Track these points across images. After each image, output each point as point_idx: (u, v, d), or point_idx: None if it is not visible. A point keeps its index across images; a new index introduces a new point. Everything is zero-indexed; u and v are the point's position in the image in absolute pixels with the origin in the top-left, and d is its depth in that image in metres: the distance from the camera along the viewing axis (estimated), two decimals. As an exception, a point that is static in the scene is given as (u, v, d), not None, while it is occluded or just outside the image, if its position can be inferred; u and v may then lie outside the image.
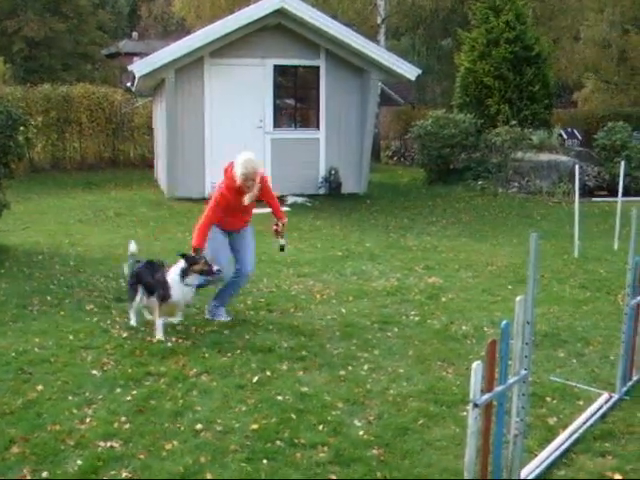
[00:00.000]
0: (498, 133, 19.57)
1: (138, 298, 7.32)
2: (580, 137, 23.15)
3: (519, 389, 4.23)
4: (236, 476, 4.44)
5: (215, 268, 7.08)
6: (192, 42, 16.11)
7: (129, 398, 5.51)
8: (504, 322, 3.96)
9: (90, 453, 4.65)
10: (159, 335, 6.94)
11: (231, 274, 7.59)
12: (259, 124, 17.17)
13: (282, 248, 8.04)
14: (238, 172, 7.21)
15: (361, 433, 5.02)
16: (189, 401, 5.48)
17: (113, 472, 4.45)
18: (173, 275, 7.09)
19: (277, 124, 17.47)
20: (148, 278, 7.25)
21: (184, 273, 7.05)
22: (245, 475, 4.45)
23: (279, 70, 17.36)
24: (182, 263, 7.11)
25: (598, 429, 5.19)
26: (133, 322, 7.35)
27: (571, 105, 34.19)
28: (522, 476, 4.40)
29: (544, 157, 19.63)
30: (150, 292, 7.20)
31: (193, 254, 7.12)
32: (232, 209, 7.45)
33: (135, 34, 48.37)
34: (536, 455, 4.75)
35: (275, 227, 7.89)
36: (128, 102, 24.81)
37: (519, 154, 19.44)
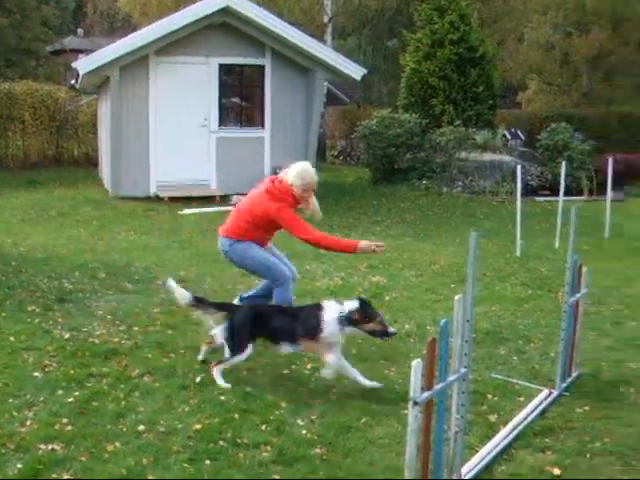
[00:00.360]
0: (442, 133, 19.75)
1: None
2: (523, 137, 23.43)
3: (459, 386, 4.29)
4: (178, 477, 4.43)
5: (391, 330, 5.99)
6: (137, 40, 15.98)
7: (71, 400, 5.45)
8: (443, 321, 4.01)
9: (31, 456, 4.60)
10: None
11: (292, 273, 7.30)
12: (204, 123, 17.09)
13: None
14: (298, 182, 6.94)
15: (304, 432, 5.04)
16: (131, 402, 5.45)
17: (54, 475, 4.41)
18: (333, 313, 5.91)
19: (222, 123, 17.41)
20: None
21: (350, 321, 5.88)
22: (187, 476, 4.44)
23: (224, 69, 17.30)
24: (351, 305, 5.93)
25: (538, 425, 5.29)
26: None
27: (515, 106, 34.59)
28: (463, 472, 4.46)
29: (488, 157, 19.83)
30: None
31: (368, 307, 5.96)
32: (274, 227, 7.18)
33: (80, 31, 47.73)
34: (477, 451, 4.81)
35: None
36: (72, 100, 24.47)
37: (463, 154, 19.62)
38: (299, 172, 6.99)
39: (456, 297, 4.15)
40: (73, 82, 19.88)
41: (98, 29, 47.80)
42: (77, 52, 35.18)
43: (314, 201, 7.32)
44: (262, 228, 7.12)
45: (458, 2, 22.07)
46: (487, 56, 22.17)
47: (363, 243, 6.95)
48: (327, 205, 16.44)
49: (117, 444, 4.79)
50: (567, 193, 13.46)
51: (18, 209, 14.85)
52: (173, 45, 16.34)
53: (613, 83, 32.01)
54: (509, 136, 22.81)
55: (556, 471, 4.62)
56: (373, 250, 7.03)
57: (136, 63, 16.21)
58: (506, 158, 20.02)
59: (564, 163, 13.19)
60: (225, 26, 16.65)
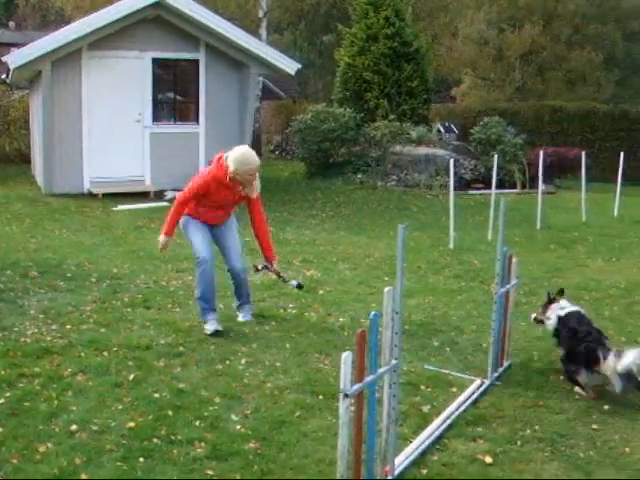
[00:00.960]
0: (377, 127, 19.89)
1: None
2: (457, 131, 23.71)
3: (390, 378, 4.33)
4: (112, 476, 4.39)
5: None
6: (69, 33, 15.73)
7: (2, 401, 5.36)
8: (372, 313, 4.05)
9: (-40, 459, 4.53)
10: None
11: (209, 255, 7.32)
12: (138, 118, 16.94)
13: (299, 286, 7.77)
14: (238, 165, 6.94)
15: (238, 427, 5.05)
16: (64, 402, 5.39)
17: (-17, 477, 4.35)
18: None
19: (156, 118, 17.26)
20: None
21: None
22: (121, 474, 4.41)
23: (158, 63, 17.16)
24: None
25: (470, 414, 5.36)
26: None
27: (449, 100, 34.97)
28: (396, 463, 4.50)
29: (422, 151, 20.02)
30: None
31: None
32: (210, 202, 7.22)
33: (12, 24, 46.86)
34: (411, 442, 4.87)
35: (256, 267, 7.62)
36: (4, 95, 24.05)
37: (398, 148, 19.78)
38: (238, 157, 6.97)
39: (385, 289, 4.19)
40: (4, 76, 19.52)
41: (30, 22, 47.01)
42: (8, 46, 34.52)
43: (257, 182, 7.30)
44: (197, 201, 7.22)
45: (394, -3, 22.22)
46: (421, 51, 22.39)
47: (162, 239, 7.29)
48: (262, 200, 16.48)
49: (49, 444, 4.73)
50: (500, 186, 13.69)
51: (-53, 207, 14.55)
52: (106, 39, 16.13)
53: (545, 78, 32.55)
54: (443, 130, 23.05)
55: (488, 459, 4.70)
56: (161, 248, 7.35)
57: (68, 57, 15.97)
58: (440, 152, 20.23)
59: (496, 156, 13.39)
60: (159, 20, 16.51)
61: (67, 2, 33.20)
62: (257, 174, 7.16)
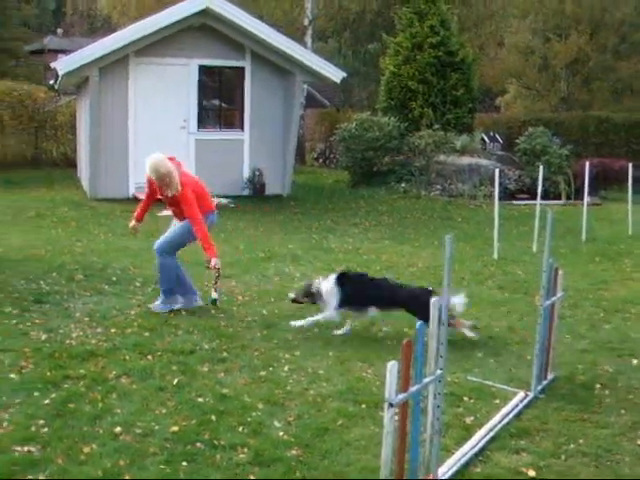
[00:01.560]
0: (421, 136, 19.83)
1: None
2: (502, 141, 23.56)
3: (435, 388, 4.31)
4: (155, 478, 4.42)
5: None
6: (117, 40, 15.94)
7: (47, 402, 5.43)
8: (419, 323, 4.04)
9: (6, 458, 4.57)
10: None
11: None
12: (183, 124, 17.06)
13: (214, 302, 8.04)
14: (149, 173, 7.70)
15: (281, 434, 5.06)
16: (108, 404, 5.44)
17: (30, 477, 4.39)
18: None
19: (201, 125, 17.39)
20: None
21: None
22: (164, 477, 4.44)
23: (204, 70, 17.29)
24: None
25: (514, 427, 5.32)
26: None
27: (494, 110, 34.77)
28: (439, 474, 4.48)
29: (466, 160, 19.92)
30: None
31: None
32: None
33: (60, 31, 47.52)
34: (453, 453, 4.84)
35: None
36: (51, 100, 24.37)
37: (442, 157, 19.72)
38: (151, 165, 7.62)
39: (432, 300, 4.18)
40: (52, 82, 19.79)
41: (78, 29, 47.62)
42: (56, 52, 35.03)
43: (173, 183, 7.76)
44: None
45: (438, 6, 22.16)
46: (467, 60, 22.28)
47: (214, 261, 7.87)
48: (305, 207, 16.59)
49: (94, 446, 4.78)
50: (545, 197, 13.57)
51: (-5, 210, 14.77)
52: (153, 46, 16.31)
53: (591, 88, 32.21)
54: (487, 140, 22.93)
55: (531, 472, 4.66)
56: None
57: (116, 64, 16.16)
58: (484, 162, 20.11)
59: (541, 167, 13.28)
60: (205, 27, 16.64)
61: (114, 9, 33.58)
62: (171, 177, 7.68)
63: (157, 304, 7.98)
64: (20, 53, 37.20)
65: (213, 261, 7.73)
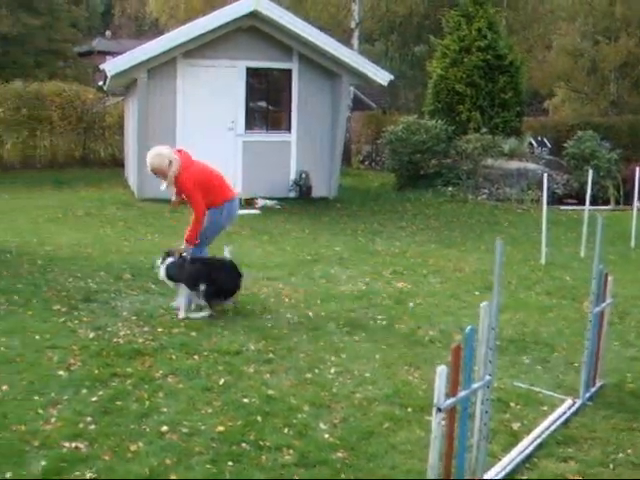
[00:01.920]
0: (469, 140, 19.71)
1: None
2: (550, 145, 23.35)
3: (483, 394, 4.28)
4: (201, 478, 4.44)
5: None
6: (165, 42, 16.07)
7: (95, 399, 5.48)
8: (468, 328, 4.01)
9: (54, 454, 4.62)
10: None
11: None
12: (231, 126, 17.14)
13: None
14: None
15: (326, 436, 5.05)
16: (155, 403, 5.47)
17: (77, 473, 4.42)
18: None
19: (249, 127, 17.45)
20: None
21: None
22: (210, 476, 4.46)
23: (252, 72, 17.35)
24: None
25: (561, 434, 5.24)
26: None
27: (542, 113, 34.48)
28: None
29: (514, 165, 19.77)
30: None
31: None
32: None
33: (108, 33, 48.06)
34: (499, 459, 4.79)
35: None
36: (100, 101, 24.67)
37: (489, 161, 19.58)
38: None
39: (482, 304, 4.14)
40: (101, 83, 20.02)
41: (126, 31, 48.16)
42: (105, 54, 35.46)
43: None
44: None
45: (486, 9, 22.03)
46: (515, 63, 22.10)
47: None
48: (352, 210, 16.59)
49: (140, 444, 4.81)
50: (593, 202, 13.40)
51: (45, 209, 14.95)
52: (201, 48, 16.42)
53: (641, 91, 31.85)
54: (535, 144, 22.73)
55: (578, 480, 4.61)
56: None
57: (164, 66, 16.30)
58: (532, 166, 19.94)
59: (590, 171, 13.12)
60: (253, 30, 16.70)
61: (162, 12, 33.87)
62: (160, 171, 8.02)
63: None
64: (69, 54, 37.68)
65: (184, 244, 8.04)
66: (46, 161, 23.43)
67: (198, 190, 7.96)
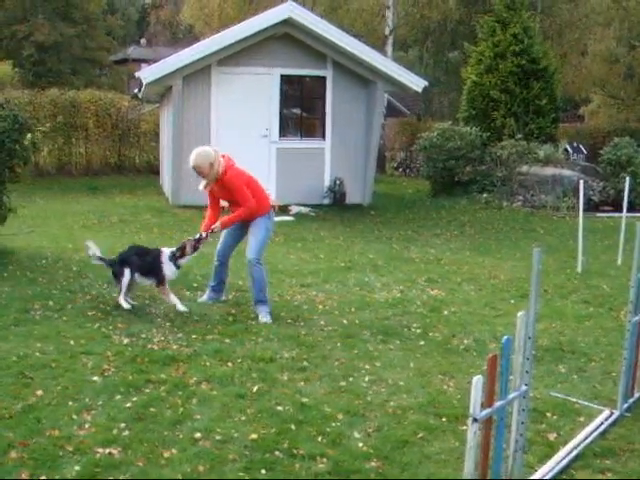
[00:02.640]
0: (504, 146, 19.59)
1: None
2: (585, 152, 23.14)
3: (519, 404, 4.22)
4: (234, 485, 4.44)
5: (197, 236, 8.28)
6: (200, 50, 16.14)
7: (129, 405, 5.50)
8: (505, 337, 3.96)
9: (88, 459, 4.64)
10: None
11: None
12: (265, 133, 17.18)
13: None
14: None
15: (360, 445, 5.01)
16: (189, 409, 5.47)
17: (111, 478, 4.43)
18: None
19: (283, 133, 17.47)
20: None
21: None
22: (243, 485, 4.45)
23: (286, 79, 17.37)
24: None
25: (598, 446, 5.17)
26: None
27: (577, 119, 34.23)
28: (521, 491, 4.39)
29: (549, 171, 19.61)
30: None
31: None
32: (211, 196, 8.44)
33: (143, 41, 48.51)
34: (536, 471, 4.73)
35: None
36: (135, 108, 24.85)
37: (524, 168, 19.44)
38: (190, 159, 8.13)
39: (519, 314, 4.09)
40: (136, 91, 20.17)
41: (161, 39, 48.53)
42: (140, 61, 35.79)
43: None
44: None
45: (520, 15, 21.92)
46: (550, 69, 21.97)
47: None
48: (386, 217, 16.56)
49: (174, 450, 4.81)
50: (630, 209, 13.24)
51: (80, 215, 15.07)
52: (235, 56, 16.48)
53: (677, 97, 31.51)
54: (571, 150, 22.54)
55: (617, 493, 4.54)
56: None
57: (198, 73, 16.37)
58: (568, 172, 19.76)
59: (628, 178, 12.97)
60: (287, 37, 16.74)
61: (197, 19, 34.07)
62: (202, 168, 8.05)
63: (264, 318, 7.98)
64: (105, 62, 38.09)
65: (217, 223, 8.24)
66: (81, 168, 23.63)
67: (246, 188, 8.05)
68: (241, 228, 8.25)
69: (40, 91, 23.46)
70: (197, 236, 8.21)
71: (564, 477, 4.72)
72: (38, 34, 33.05)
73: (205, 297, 8.59)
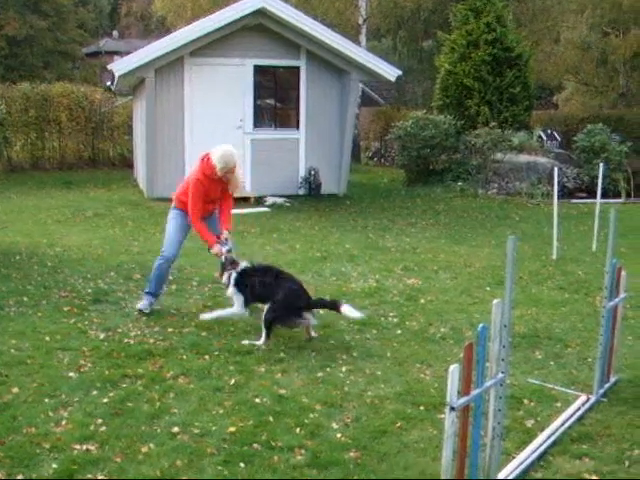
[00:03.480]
0: (478, 134, 19.64)
1: None
2: (559, 139, 23.25)
3: (496, 392, 4.23)
4: (212, 479, 4.41)
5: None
6: (172, 41, 16.04)
7: (105, 400, 5.47)
8: (481, 325, 3.96)
9: (65, 456, 4.61)
10: None
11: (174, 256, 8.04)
12: (239, 124, 17.12)
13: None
14: (219, 163, 7.50)
15: (338, 436, 5.01)
16: (166, 403, 5.45)
17: (89, 475, 4.41)
18: None
19: (257, 124, 17.42)
20: None
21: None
22: (221, 478, 4.43)
23: (259, 70, 17.31)
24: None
25: (575, 431, 5.20)
26: None
27: (551, 107, 34.37)
28: (499, 478, 4.40)
29: (523, 158, 19.69)
30: None
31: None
32: (204, 198, 7.71)
33: (116, 33, 48.18)
34: (513, 457, 4.75)
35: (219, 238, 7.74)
36: (108, 101, 24.70)
37: (499, 155, 19.51)
38: (222, 156, 7.55)
39: (494, 301, 4.10)
40: (109, 84, 20.04)
41: (133, 31, 48.28)
42: (112, 54, 35.58)
43: (237, 177, 7.89)
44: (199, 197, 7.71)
45: (494, 3, 21.93)
46: (523, 57, 22.02)
47: (216, 248, 7.63)
48: (361, 206, 16.56)
49: (151, 445, 4.79)
50: (604, 195, 13.31)
51: (54, 210, 14.97)
52: (208, 47, 16.40)
53: (651, 83, 31.70)
54: (545, 137, 22.64)
55: (594, 478, 4.55)
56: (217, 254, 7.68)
57: (171, 65, 16.29)
58: (542, 160, 19.85)
59: (601, 165, 13.04)
60: (260, 28, 16.67)
61: (169, 11, 33.88)
62: (237, 171, 7.76)
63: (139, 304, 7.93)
64: (77, 55, 37.76)
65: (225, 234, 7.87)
66: (55, 162, 23.48)
67: None
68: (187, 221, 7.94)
69: (12, 85, 23.26)
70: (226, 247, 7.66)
71: (542, 464, 4.73)
72: (9, 27, 32.73)
73: (147, 303, 7.91)
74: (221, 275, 7.54)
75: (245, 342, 6.87)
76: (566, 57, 32.39)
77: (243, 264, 7.39)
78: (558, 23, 32.97)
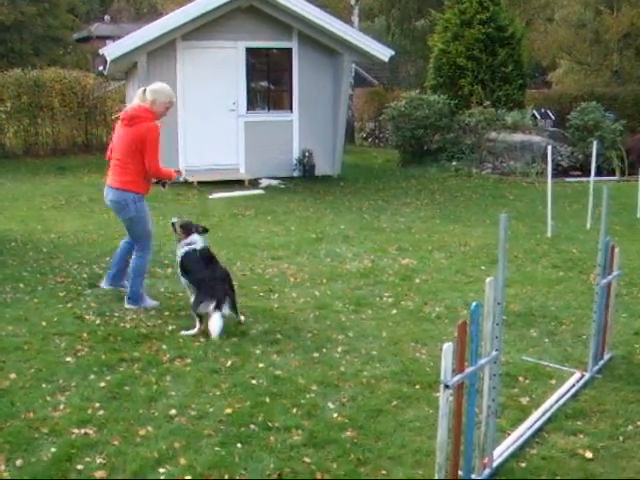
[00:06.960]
0: (472, 114, 19.63)
1: None
2: (553, 117, 23.23)
3: (490, 370, 4.26)
4: (210, 460, 4.43)
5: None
6: (164, 25, 15.99)
7: (103, 384, 5.49)
8: (474, 304, 3.98)
9: (64, 440, 4.63)
10: None
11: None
12: (232, 107, 17.09)
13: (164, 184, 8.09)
14: (168, 97, 7.36)
15: (335, 415, 5.04)
16: (163, 386, 5.48)
17: (87, 459, 4.43)
18: None
19: (250, 107, 17.40)
20: None
21: None
22: (219, 459, 4.45)
23: (252, 52, 17.27)
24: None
25: (570, 408, 5.23)
26: None
27: (545, 85, 34.31)
28: (495, 455, 4.44)
29: (517, 137, 19.69)
30: None
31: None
32: None
33: (107, 17, 47.88)
34: (509, 434, 4.79)
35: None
36: (100, 86, 24.62)
37: (493, 135, 19.51)
38: (163, 90, 7.29)
39: (487, 279, 4.12)
40: (101, 68, 19.98)
41: (125, 15, 48.01)
42: (104, 38, 35.38)
43: None
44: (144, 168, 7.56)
45: (487, -19, 21.85)
46: (516, 35, 21.97)
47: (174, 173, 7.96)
48: (356, 187, 16.56)
49: (149, 428, 4.82)
50: (598, 173, 13.32)
51: (48, 196, 14.94)
52: (200, 30, 16.34)
53: (644, 61, 31.61)
54: (539, 116, 22.62)
55: (588, 454, 4.58)
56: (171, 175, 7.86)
57: (163, 48, 16.23)
58: (536, 138, 19.85)
59: (595, 143, 13.03)
60: (252, 9, 16.61)
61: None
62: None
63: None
64: (68, 41, 37.51)
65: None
66: (48, 148, 23.41)
67: None
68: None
69: (3, 72, 23.17)
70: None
71: (537, 440, 4.77)
72: (-2, 14, 32.51)
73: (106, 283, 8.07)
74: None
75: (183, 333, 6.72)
76: (559, 35, 32.29)
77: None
78: (552, 1, 32.89)
